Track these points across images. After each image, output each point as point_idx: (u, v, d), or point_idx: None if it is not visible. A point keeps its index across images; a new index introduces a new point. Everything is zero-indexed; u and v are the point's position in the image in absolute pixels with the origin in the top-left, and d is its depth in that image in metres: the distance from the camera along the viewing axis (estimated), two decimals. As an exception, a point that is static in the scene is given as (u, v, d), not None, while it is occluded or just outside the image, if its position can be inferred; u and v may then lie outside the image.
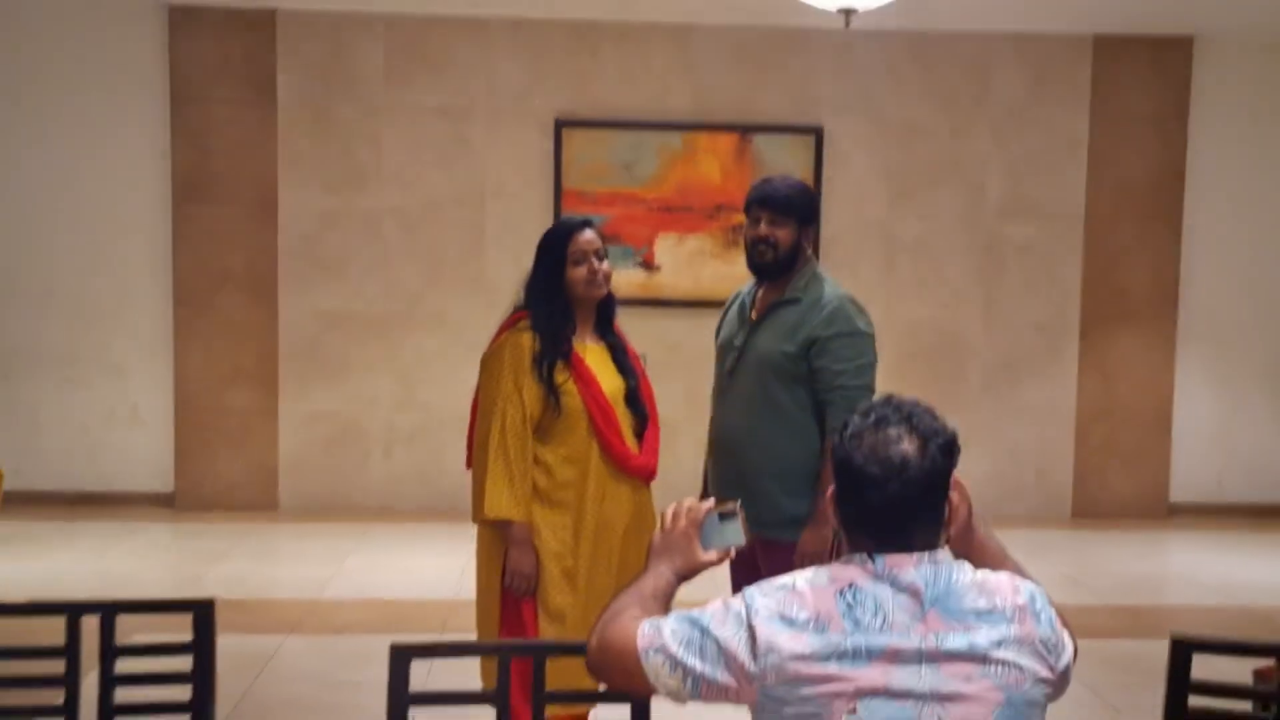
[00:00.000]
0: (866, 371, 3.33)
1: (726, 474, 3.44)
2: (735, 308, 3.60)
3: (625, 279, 7.32)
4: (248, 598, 5.58)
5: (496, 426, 3.11)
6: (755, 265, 3.46)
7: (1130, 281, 7.66)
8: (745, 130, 7.47)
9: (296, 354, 7.44)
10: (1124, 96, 7.56)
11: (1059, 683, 1.82)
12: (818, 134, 7.48)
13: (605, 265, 3.31)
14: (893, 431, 1.80)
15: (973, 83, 7.55)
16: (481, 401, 3.20)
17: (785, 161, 7.46)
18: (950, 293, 7.64)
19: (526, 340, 3.18)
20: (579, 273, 3.25)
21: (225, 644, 4.97)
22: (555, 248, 3.28)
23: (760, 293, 3.50)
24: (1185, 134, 7.61)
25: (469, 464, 3.27)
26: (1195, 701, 2.21)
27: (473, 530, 3.32)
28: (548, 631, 3.10)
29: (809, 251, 3.45)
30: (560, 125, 7.40)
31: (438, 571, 6.07)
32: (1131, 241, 7.64)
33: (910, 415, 1.82)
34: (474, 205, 7.47)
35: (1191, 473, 7.85)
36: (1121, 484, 7.75)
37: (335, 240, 7.43)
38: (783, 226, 3.39)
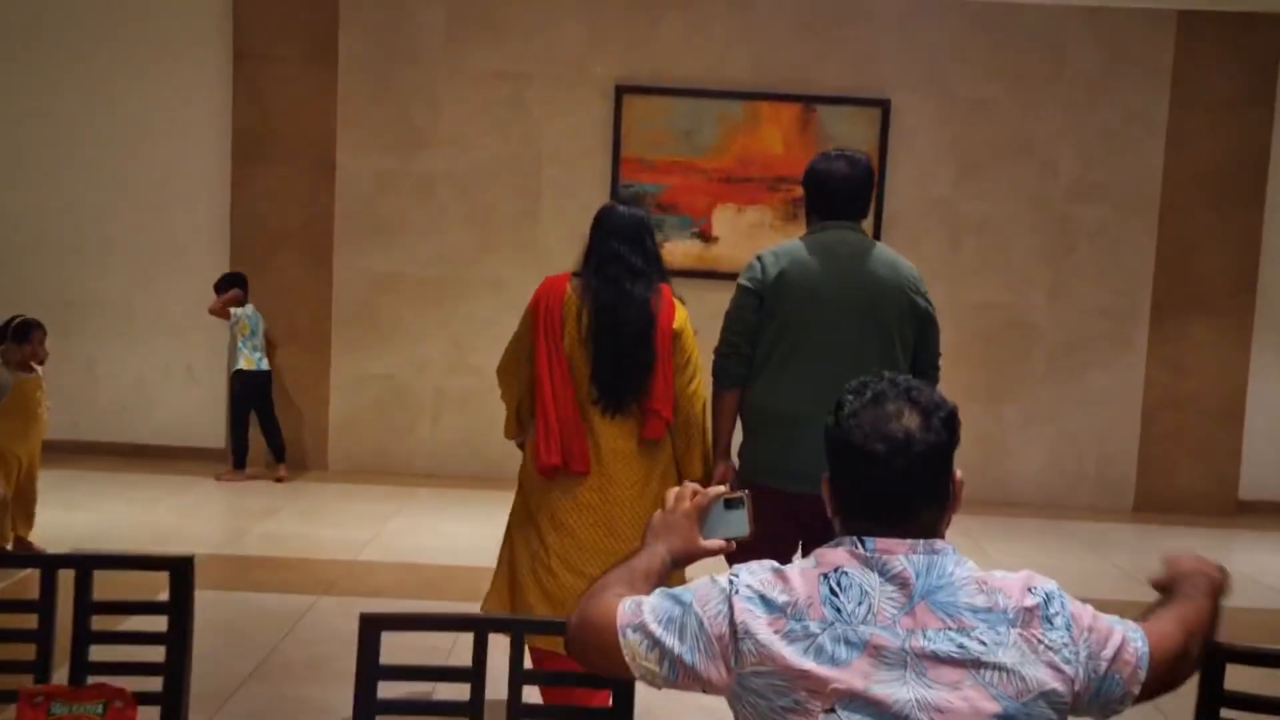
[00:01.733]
0: (728, 319, 3.50)
1: None
2: None
3: (681, 249, 7.23)
4: (288, 556, 5.60)
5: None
6: None
7: (1206, 268, 7.38)
8: (809, 101, 7.30)
9: (349, 316, 7.44)
10: (1207, 77, 7.26)
11: (1095, 701, 1.62)
12: (884, 107, 7.28)
13: None
14: (891, 407, 1.68)
15: (1045, 58, 7.30)
16: (689, 364, 3.53)
17: (850, 135, 7.27)
18: (1016, 274, 7.42)
19: None
20: None
21: (260, 600, 5.04)
22: None
23: None
24: (1271, 117, 7.29)
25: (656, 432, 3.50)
26: (1230, 715, 2.04)
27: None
28: None
29: (814, 214, 3.55)
30: (620, 91, 7.29)
31: (475, 539, 6.02)
32: (1208, 227, 7.35)
33: (909, 390, 1.70)
34: (530, 171, 7.39)
35: (1264, 469, 7.56)
36: (1188, 477, 7.49)
37: (391, 203, 7.40)
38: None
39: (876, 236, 7.24)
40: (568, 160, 7.38)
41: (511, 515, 3.64)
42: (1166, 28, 7.23)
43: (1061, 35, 7.27)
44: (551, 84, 7.34)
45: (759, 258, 3.48)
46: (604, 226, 3.60)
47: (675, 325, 3.48)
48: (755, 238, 7.22)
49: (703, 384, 3.52)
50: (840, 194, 3.45)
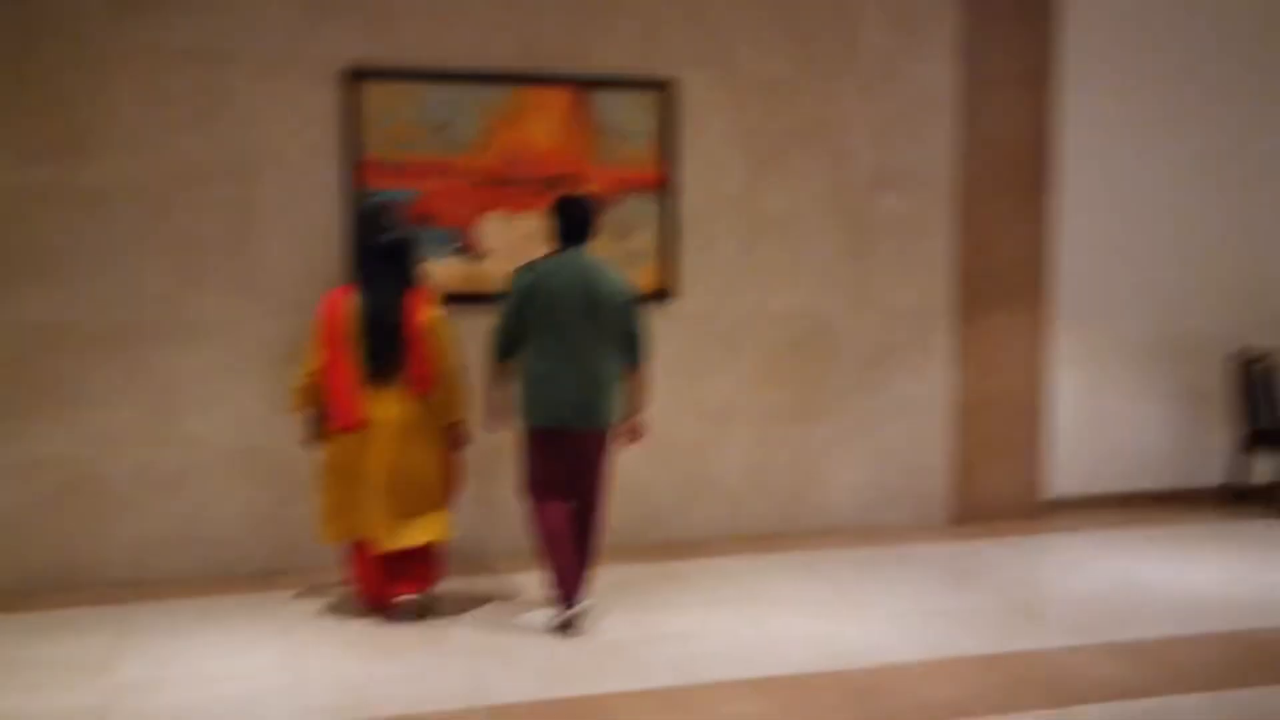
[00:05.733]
0: (502, 312, 5.08)
1: None
2: None
3: (443, 270, 5.87)
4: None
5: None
6: None
7: (1005, 258, 6.90)
8: (583, 84, 6.14)
9: (2, 382, 5.47)
10: (992, 51, 6.79)
11: None
12: (667, 89, 6.26)
13: None
14: None
15: (836, 33, 6.55)
16: (445, 345, 5.12)
17: (631, 122, 6.21)
18: (818, 277, 6.63)
19: None
20: None
21: None
22: None
23: None
24: (1057, 93, 6.94)
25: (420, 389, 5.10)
26: None
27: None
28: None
29: (553, 238, 5.13)
30: (353, 75, 5.80)
31: (256, 673, 4.43)
32: (1005, 214, 6.89)
33: None
34: (242, 179, 5.74)
35: (1066, 465, 7.26)
36: (997, 482, 7.02)
37: (47, 227, 5.51)
38: None
39: (669, 240, 6.29)
40: (289, 165, 5.79)
41: (326, 463, 5.13)
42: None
43: (854, 6, 6.55)
44: (261, 67, 5.72)
45: (520, 271, 5.09)
46: (370, 251, 5.10)
47: (428, 318, 5.06)
48: (531, 251, 5.92)
49: (453, 357, 5.11)
50: (575, 228, 5.07)
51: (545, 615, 5.08)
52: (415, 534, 5.05)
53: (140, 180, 5.60)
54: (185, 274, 5.69)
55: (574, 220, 5.08)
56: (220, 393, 5.77)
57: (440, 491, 5.14)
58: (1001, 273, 6.90)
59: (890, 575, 5.85)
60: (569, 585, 4.94)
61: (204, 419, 5.76)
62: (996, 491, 7.02)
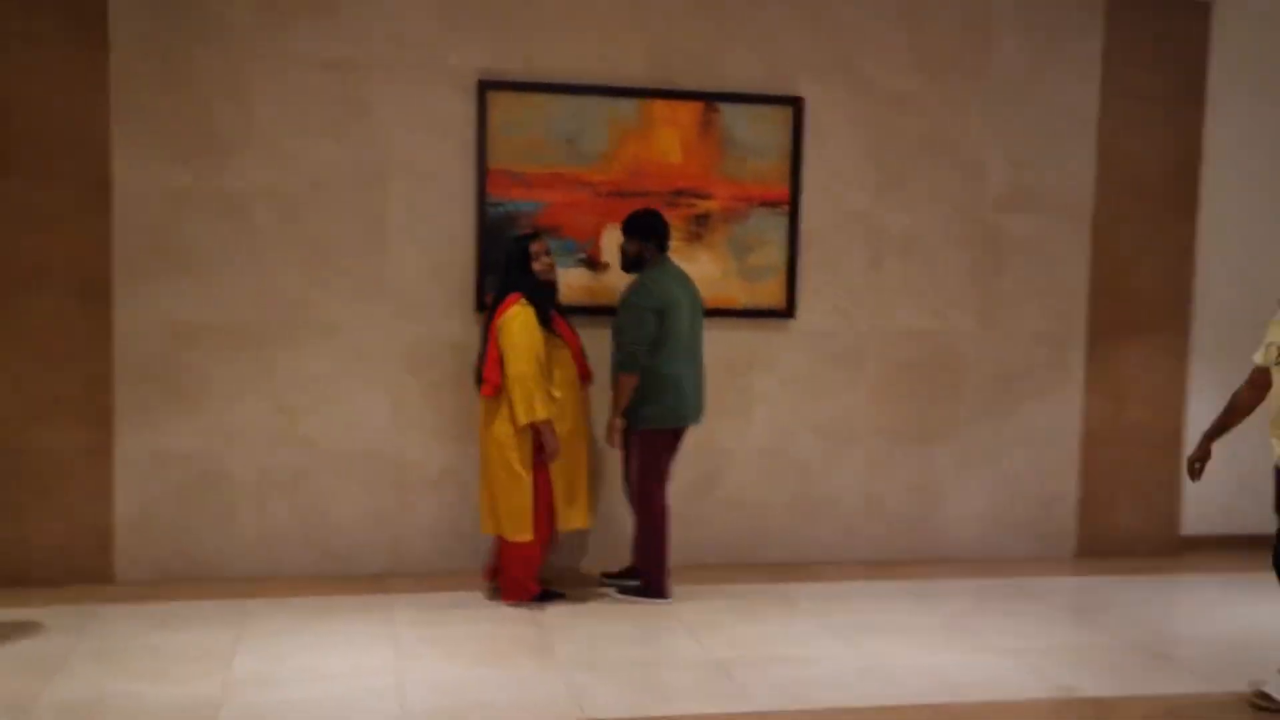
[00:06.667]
0: (634, 330, 5.38)
1: None
2: None
3: (566, 281, 5.89)
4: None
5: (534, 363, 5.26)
6: (622, 267, 5.67)
7: (1141, 284, 6.68)
8: (712, 99, 6.12)
9: (139, 377, 5.69)
10: (1136, 69, 6.56)
11: None
12: (797, 105, 6.19)
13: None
14: None
15: (970, 47, 6.41)
16: (508, 349, 5.23)
17: (758, 138, 6.17)
18: (943, 297, 6.49)
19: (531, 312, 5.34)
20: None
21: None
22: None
23: None
24: (1202, 115, 6.67)
25: (485, 392, 5.35)
26: None
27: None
28: (558, 480, 5.40)
29: (653, 251, 5.56)
30: (484, 87, 5.88)
31: (368, 675, 4.51)
32: (1143, 238, 6.65)
33: None
34: (373, 186, 5.86)
35: (1205, 502, 6.94)
36: (1129, 516, 6.77)
37: (190, 229, 5.70)
38: (630, 241, 5.58)
39: (793, 256, 6.24)
40: (420, 173, 5.90)
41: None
42: (1095, 12, 6.49)
43: (986, 20, 6.39)
44: (397, 77, 5.84)
45: (650, 288, 5.47)
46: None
47: (499, 321, 5.25)
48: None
49: (517, 361, 5.19)
50: (666, 237, 5.60)
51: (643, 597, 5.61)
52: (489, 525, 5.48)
53: (277, 186, 5.76)
54: (317, 277, 5.83)
55: (663, 232, 5.59)
56: (345, 395, 5.90)
57: (500, 499, 5.34)
58: (1138, 299, 6.66)
59: (1009, 608, 5.68)
60: (667, 572, 5.60)
61: (328, 420, 5.89)
62: (1127, 526, 6.77)
